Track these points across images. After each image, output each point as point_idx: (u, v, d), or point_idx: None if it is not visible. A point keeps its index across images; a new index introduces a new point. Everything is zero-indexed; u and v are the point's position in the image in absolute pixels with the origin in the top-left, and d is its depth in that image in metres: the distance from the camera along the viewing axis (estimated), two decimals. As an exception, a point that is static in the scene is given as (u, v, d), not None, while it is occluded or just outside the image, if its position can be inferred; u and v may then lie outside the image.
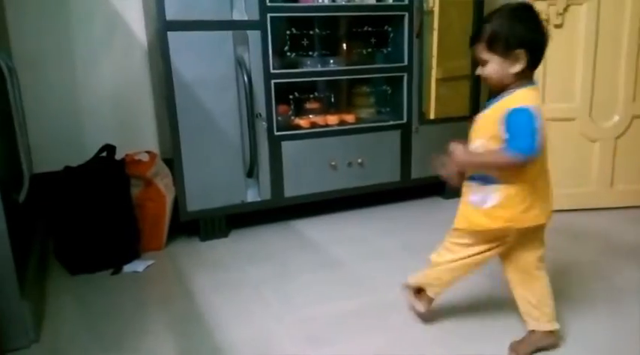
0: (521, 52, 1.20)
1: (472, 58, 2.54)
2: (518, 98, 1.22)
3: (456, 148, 1.27)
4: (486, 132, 1.27)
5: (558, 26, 2.30)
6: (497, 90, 1.27)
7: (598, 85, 2.35)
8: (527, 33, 1.21)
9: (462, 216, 1.39)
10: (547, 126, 2.38)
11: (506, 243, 1.35)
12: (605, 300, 1.66)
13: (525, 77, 1.24)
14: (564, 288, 1.74)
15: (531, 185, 1.26)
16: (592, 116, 2.39)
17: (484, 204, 1.29)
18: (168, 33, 2.00)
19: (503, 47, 1.21)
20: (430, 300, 1.50)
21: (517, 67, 1.21)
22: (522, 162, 1.19)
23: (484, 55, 1.24)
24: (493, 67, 1.23)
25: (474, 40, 1.25)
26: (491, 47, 1.22)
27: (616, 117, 2.39)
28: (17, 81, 1.67)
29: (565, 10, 2.28)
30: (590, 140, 2.41)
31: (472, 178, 1.33)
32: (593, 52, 2.32)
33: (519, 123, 1.19)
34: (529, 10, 1.24)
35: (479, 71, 1.28)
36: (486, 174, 1.28)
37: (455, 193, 2.65)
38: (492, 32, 1.21)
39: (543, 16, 2.24)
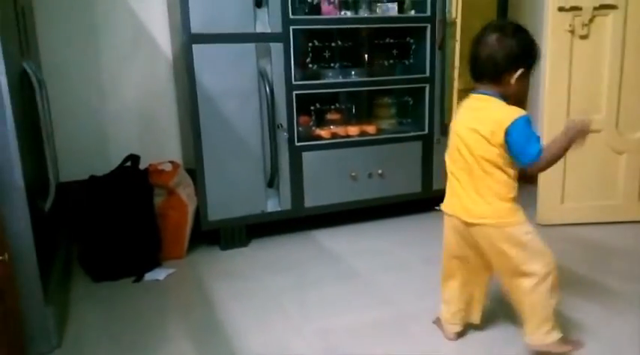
0: (517, 71, 1.38)
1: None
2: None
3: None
4: None
5: (584, 37, 2.27)
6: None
7: (624, 97, 2.31)
8: (521, 50, 1.41)
9: None
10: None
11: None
12: (634, 311, 1.61)
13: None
14: (592, 301, 1.70)
15: None
16: (618, 128, 2.34)
17: None
18: (193, 45, 2.03)
19: (506, 71, 1.39)
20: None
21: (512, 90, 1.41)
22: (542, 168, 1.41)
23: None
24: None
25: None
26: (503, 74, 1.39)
27: (644, 130, 2.34)
28: (46, 92, 1.72)
29: (591, 21, 2.25)
30: (616, 152, 2.36)
31: None
32: (620, 63, 2.28)
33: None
34: (519, 32, 1.46)
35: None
36: None
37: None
38: (495, 61, 1.39)
39: (568, 27, 2.24)
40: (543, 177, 2.39)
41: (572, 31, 2.26)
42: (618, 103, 2.31)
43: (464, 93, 2.47)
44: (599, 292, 1.78)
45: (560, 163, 2.34)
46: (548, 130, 2.35)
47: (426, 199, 2.57)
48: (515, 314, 1.61)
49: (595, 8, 2.23)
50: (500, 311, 1.64)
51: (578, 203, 2.41)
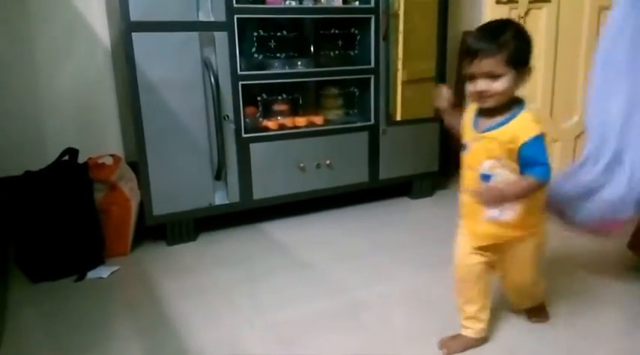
0: (530, 69, 1.26)
1: (438, 61, 2.60)
2: (527, 123, 1.26)
3: (485, 191, 1.27)
4: (495, 152, 1.28)
5: (520, 29, 2.36)
6: (492, 106, 1.28)
7: (558, 87, 2.43)
8: (531, 50, 1.27)
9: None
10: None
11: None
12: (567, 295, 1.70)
13: (514, 94, 1.28)
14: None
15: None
16: (553, 117, 2.46)
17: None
18: (133, 34, 1.96)
19: (522, 63, 1.24)
20: None
21: (523, 83, 1.26)
22: (544, 186, 1.27)
23: (500, 69, 1.22)
24: (507, 81, 1.23)
25: (484, 54, 1.23)
26: (512, 61, 1.22)
27: (575, 118, 2.47)
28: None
29: (526, 14, 2.35)
30: (551, 140, 2.48)
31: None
32: (554, 55, 2.39)
33: (536, 151, 1.24)
34: (523, 28, 1.30)
35: (483, 86, 1.25)
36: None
37: (421, 193, 2.71)
38: (515, 47, 1.22)
39: (505, 20, 2.32)
40: (484, 165, 2.48)
41: (509, 24, 2.34)
42: (552, 93, 2.43)
43: (407, 84, 2.53)
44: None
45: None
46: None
47: (373, 189, 2.61)
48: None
49: (530, 1, 2.33)
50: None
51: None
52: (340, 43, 2.56)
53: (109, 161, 2.15)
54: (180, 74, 2.06)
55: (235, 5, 2.11)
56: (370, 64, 2.46)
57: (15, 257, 1.99)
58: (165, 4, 1.99)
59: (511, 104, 1.28)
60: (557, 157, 2.50)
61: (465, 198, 1.39)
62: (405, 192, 2.75)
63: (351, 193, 2.57)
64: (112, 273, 1.94)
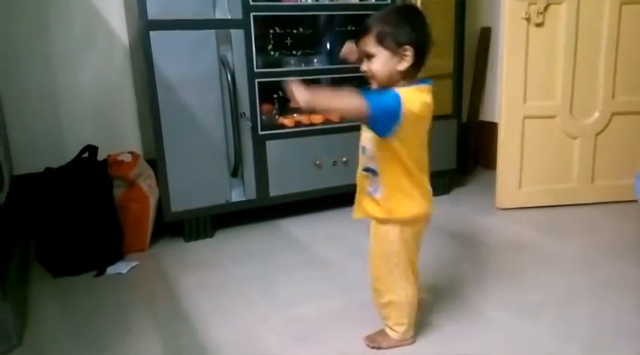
0: (409, 49, 1.21)
1: (455, 57, 2.58)
2: (399, 89, 1.22)
3: (295, 87, 1.17)
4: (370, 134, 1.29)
5: (539, 25, 2.33)
6: (383, 87, 1.26)
7: (578, 83, 2.39)
8: (415, 31, 1.22)
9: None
10: (528, 123, 2.42)
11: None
12: (588, 294, 1.68)
13: (410, 76, 1.25)
14: (548, 282, 1.76)
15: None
16: (572, 113, 2.42)
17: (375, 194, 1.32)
18: (151, 32, 1.98)
19: (392, 42, 1.21)
20: None
21: (404, 65, 1.22)
22: (360, 114, 1.18)
23: (372, 48, 1.22)
24: (381, 61, 1.22)
25: (362, 33, 1.24)
26: (381, 41, 1.21)
27: (596, 114, 2.43)
28: (-4, 81, 1.65)
29: (545, 9, 2.31)
30: (571, 137, 2.45)
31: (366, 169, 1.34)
32: (573, 50, 2.35)
33: (382, 92, 1.22)
34: (417, 10, 1.32)
35: (364, 66, 1.26)
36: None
37: (438, 191, 2.70)
38: (383, 26, 1.21)
39: (524, 15, 2.29)
40: (502, 162, 2.46)
41: (527, 19, 2.31)
42: (572, 89, 2.39)
43: (425, 81, 2.51)
44: (559, 273, 1.85)
45: (517, 148, 2.43)
46: (506, 115, 2.41)
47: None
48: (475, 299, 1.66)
49: (549, -3, 2.29)
50: (465, 297, 1.68)
51: (536, 187, 2.49)
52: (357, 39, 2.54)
53: (127, 158, 2.17)
54: (197, 72, 2.07)
55: (252, 3, 2.12)
56: (387, 60, 2.44)
57: (36, 252, 2.03)
58: (182, 3, 2.01)
59: (402, 84, 1.24)
60: (576, 155, 2.46)
61: (359, 172, 1.38)
62: (422, 190, 2.73)
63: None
64: (130, 269, 1.96)
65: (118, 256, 2.03)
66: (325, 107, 1.29)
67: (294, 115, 2.40)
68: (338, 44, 2.52)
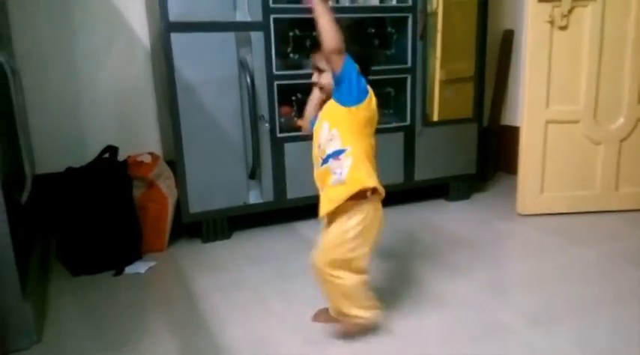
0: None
1: (477, 60, 2.55)
2: None
3: None
4: (330, 113, 1.40)
5: (563, 28, 2.29)
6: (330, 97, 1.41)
7: (602, 87, 2.34)
8: (358, 50, 1.39)
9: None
10: (551, 128, 2.38)
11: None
12: (609, 302, 1.64)
13: None
14: (568, 291, 1.73)
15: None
16: (596, 118, 2.37)
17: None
18: (172, 34, 2.00)
19: None
20: None
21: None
22: (338, 52, 1.31)
23: (322, 64, 1.39)
24: (329, 77, 1.38)
25: (315, 49, 1.39)
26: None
27: (621, 120, 2.38)
28: (20, 82, 1.68)
29: (570, 11, 2.27)
30: (594, 143, 2.40)
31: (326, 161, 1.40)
32: (598, 54, 2.30)
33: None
34: (360, 28, 1.44)
35: (315, 78, 1.44)
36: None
37: (458, 196, 2.67)
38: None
39: (548, 18, 2.26)
40: (523, 168, 2.42)
41: (551, 22, 2.27)
42: (596, 94, 2.34)
43: (445, 84, 2.49)
44: (580, 280, 1.81)
45: (539, 154, 2.39)
46: (528, 120, 2.38)
47: (407, 190, 2.59)
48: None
49: (574, -1, 2.25)
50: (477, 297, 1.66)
51: (557, 193, 2.44)
52: (376, 42, 2.54)
53: (147, 159, 2.19)
54: (216, 74, 2.09)
55: (272, 5, 2.13)
56: (407, 63, 2.43)
57: (57, 251, 2.07)
58: (203, 5, 2.02)
59: None
60: (600, 161, 2.41)
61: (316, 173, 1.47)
62: (442, 195, 2.71)
63: (385, 194, 2.54)
64: (148, 269, 1.98)
65: (136, 256, 2.05)
66: (320, 22, 1.36)
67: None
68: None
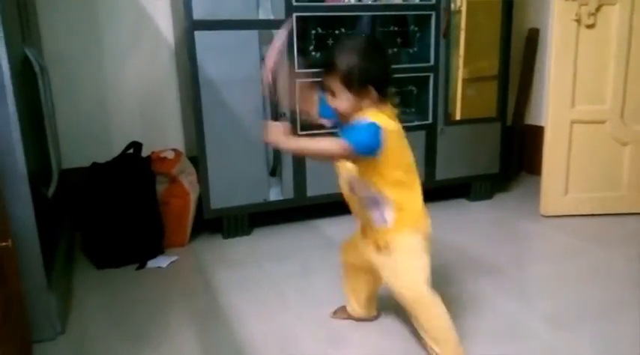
0: (369, 88, 1.23)
1: (501, 59, 2.52)
2: (366, 115, 1.24)
3: (274, 127, 1.24)
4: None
5: (590, 26, 2.24)
6: (346, 119, 1.28)
7: (630, 87, 2.29)
8: (376, 70, 1.24)
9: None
10: (576, 128, 2.34)
11: None
12: (633, 307, 1.61)
13: (373, 105, 1.26)
14: (591, 294, 1.70)
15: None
16: (623, 119, 2.32)
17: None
18: (195, 32, 2.02)
19: (356, 84, 1.22)
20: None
21: (367, 102, 1.24)
22: (344, 152, 1.20)
23: (336, 87, 1.25)
24: (345, 100, 1.25)
25: (326, 68, 1.25)
26: (345, 83, 1.23)
27: (649, 120, 2.33)
28: (48, 79, 1.71)
29: (597, 10, 2.23)
30: (621, 143, 2.35)
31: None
32: (626, 53, 2.26)
33: (358, 124, 1.22)
34: (378, 46, 1.31)
35: (329, 100, 1.28)
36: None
37: (480, 196, 2.64)
38: (347, 69, 1.22)
39: (574, 17, 2.22)
40: (547, 168, 2.39)
41: (578, 21, 2.23)
42: (624, 94, 2.30)
43: (468, 83, 2.47)
44: (606, 283, 1.78)
45: (564, 154, 2.35)
46: (553, 119, 2.34)
47: (429, 190, 2.56)
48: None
49: (602, -3, 2.21)
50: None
51: (582, 194, 2.40)
52: (399, 40, 2.52)
53: (170, 155, 2.22)
54: (239, 72, 2.10)
55: (295, 3, 2.13)
56: (430, 61, 2.42)
57: (82, 244, 2.11)
58: (226, 3, 2.04)
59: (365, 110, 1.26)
60: (626, 162, 2.36)
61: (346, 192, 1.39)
62: (464, 194, 2.69)
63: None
64: (170, 263, 2.01)
65: (158, 250, 2.08)
66: (302, 149, 1.31)
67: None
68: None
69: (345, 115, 1.27)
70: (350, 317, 1.55)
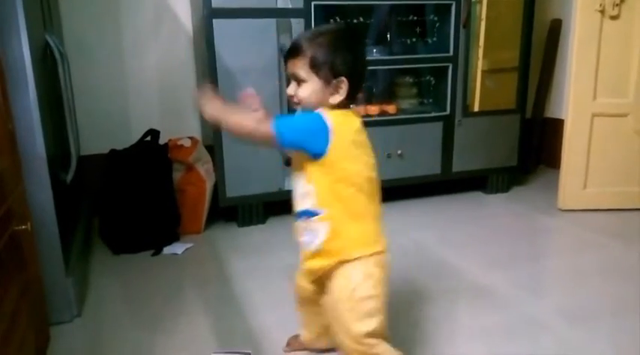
0: (343, 81, 1.04)
1: (522, 50, 2.48)
2: (323, 111, 1.05)
3: (208, 99, 1.08)
4: (301, 160, 1.08)
5: (614, 17, 2.20)
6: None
7: (655, 80, 2.24)
8: (354, 62, 1.06)
9: None
10: (597, 121, 2.30)
11: None
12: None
13: (340, 108, 1.07)
14: (608, 289, 1.68)
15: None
16: (647, 112, 2.28)
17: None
18: (214, 20, 2.02)
19: (328, 71, 1.04)
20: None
21: (336, 98, 1.05)
22: (269, 139, 1.02)
23: (302, 73, 1.05)
24: (311, 89, 1.05)
25: (291, 52, 1.07)
26: (315, 67, 1.04)
27: (673, 114, 2.28)
28: (68, 65, 1.73)
29: (622, 0, 2.18)
30: (641, 135, 2.31)
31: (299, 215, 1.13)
32: (651, 45, 2.21)
33: (301, 113, 1.08)
34: (358, 36, 1.16)
35: (291, 90, 1.08)
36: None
37: (497, 189, 2.61)
38: (320, 50, 1.04)
39: (598, 7, 2.17)
40: (567, 161, 2.35)
41: (602, 11, 2.19)
42: (648, 87, 2.25)
43: (488, 74, 2.44)
44: (623, 278, 1.76)
45: (584, 147, 2.31)
46: (574, 112, 2.30)
47: (445, 181, 2.55)
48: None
49: (627, -12, 2.16)
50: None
51: (601, 188, 2.36)
52: (418, 30, 2.50)
53: (187, 143, 2.23)
54: (256, 60, 2.10)
55: (313, -8, 2.12)
56: (449, 52, 2.39)
57: (99, 229, 2.14)
58: (245, -9, 2.03)
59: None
60: (648, 156, 2.32)
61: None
62: (480, 187, 2.66)
63: (422, 185, 2.52)
64: (185, 250, 2.03)
65: (174, 237, 2.10)
66: (229, 123, 1.07)
67: (350, 106, 2.39)
68: (398, 34, 2.50)
69: (306, 106, 1.08)
70: (304, 347, 1.37)
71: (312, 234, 1.10)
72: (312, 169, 1.06)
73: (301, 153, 1.06)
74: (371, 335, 1.08)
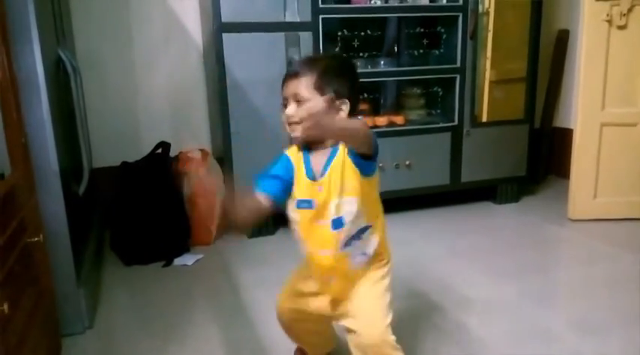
0: (346, 103, 1.06)
1: (529, 60, 2.48)
2: None
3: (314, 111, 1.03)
4: (350, 184, 1.08)
5: (621, 27, 2.20)
6: (308, 142, 1.11)
7: (663, 90, 2.24)
8: (354, 86, 1.10)
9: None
10: (606, 131, 2.29)
11: None
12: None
13: None
14: (620, 301, 1.66)
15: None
16: (656, 122, 2.27)
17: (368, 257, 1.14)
18: (223, 34, 2.05)
19: (332, 91, 1.05)
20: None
21: (343, 116, 1.07)
22: (368, 138, 1.02)
23: (305, 93, 1.05)
24: (315, 108, 1.04)
25: (290, 75, 1.08)
26: (320, 88, 1.05)
27: (682, 123, 2.27)
28: (80, 79, 1.76)
29: (629, 10, 2.18)
30: (653, 147, 2.29)
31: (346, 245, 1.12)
32: (659, 55, 2.20)
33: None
34: (352, 63, 1.22)
35: (291, 110, 1.07)
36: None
37: (506, 199, 2.61)
38: (324, 73, 1.05)
39: (606, 17, 2.18)
40: (576, 171, 2.34)
41: (609, 21, 2.19)
42: (657, 97, 2.24)
43: (495, 85, 2.44)
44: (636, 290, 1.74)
45: (593, 157, 2.30)
46: (583, 122, 2.30)
47: (453, 191, 2.55)
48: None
49: (634, -3, 2.16)
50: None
51: (612, 198, 2.35)
52: (425, 41, 2.52)
53: (197, 155, 2.25)
54: (266, 73, 2.12)
55: (321, 5, 2.14)
56: (456, 63, 2.40)
57: (110, 241, 2.16)
58: (254, 6, 2.06)
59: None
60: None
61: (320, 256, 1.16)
62: (489, 197, 2.66)
63: (430, 195, 2.52)
64: (196, 261, 2.04)
65: (184, 249, 2.12)
66: (341, 127, 1.02)
67: (359, 117, 2.40)
68: (405, 46, 2.52)
69: (315, 138, 1.08)
70: None
71: (364, 249, 1.13)
72: (363, 188, 1.08)
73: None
74: (389, 328, 1.11)
